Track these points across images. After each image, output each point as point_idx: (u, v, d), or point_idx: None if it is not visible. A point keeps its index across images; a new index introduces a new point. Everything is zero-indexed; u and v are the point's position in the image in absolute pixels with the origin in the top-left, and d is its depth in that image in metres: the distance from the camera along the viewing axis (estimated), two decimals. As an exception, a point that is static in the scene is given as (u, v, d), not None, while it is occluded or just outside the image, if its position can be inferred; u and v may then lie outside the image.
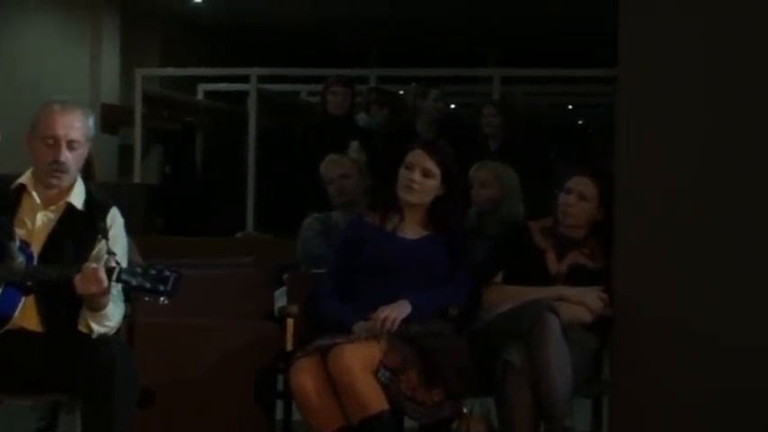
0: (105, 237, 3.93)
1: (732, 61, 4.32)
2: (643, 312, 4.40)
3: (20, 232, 3.94)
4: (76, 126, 3.96)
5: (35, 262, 3.90)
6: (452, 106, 12.02)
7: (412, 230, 4.59)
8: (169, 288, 3.76)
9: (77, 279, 3.76)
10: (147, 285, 3.77)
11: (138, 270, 3.79)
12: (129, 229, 4.16)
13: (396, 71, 11.36)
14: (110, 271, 3.76)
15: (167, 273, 3.77)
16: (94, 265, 3.76)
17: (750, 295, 4.31)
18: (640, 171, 4.41)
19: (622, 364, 4.43)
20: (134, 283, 3.78)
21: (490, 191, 5.36)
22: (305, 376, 4.17)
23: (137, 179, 10.43)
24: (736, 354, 4.30)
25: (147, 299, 3.84)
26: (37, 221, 3.98)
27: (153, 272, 3.78)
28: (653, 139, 4.39)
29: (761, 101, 4.30)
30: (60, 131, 3.92)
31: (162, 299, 3.77)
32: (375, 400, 4.08)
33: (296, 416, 4.50)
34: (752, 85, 4.30)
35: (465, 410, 4.47)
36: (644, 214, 4.40)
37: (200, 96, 11.85)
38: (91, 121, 4.05)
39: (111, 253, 3.84)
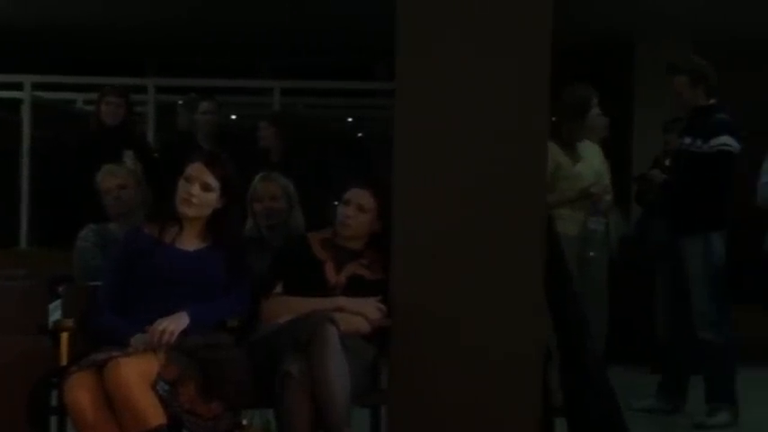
0: None
1: (505, 75, 4.45)
2: (420, 322, 4.47)
3: None
4: None
5: None
6: (233, 117, 11.98)
7: (190, 242, 4.55)
8: None
9: None
10: None
11: None
12: None
13: (174, 81, 11.24)
14: None
15: None
16: None
17: (518, 305, 4.44)
18: (417, 183, 4.49)
19: (399, 374, 4.49)
20: None
21: (279, 203, 5.36)
22: (80, 391, 4.07)
23: None
24: (508, 361, 4.43)
25: None
26: None
27: None
28: (430, 152, 4.47)
29: (532, 117, 4.44)
30: None
31: None
32: (152, 413, 4.02)
33: (71, 432, 4.40)
34: (523, 99, 4.44)
35: (244, 422, 4.45)
36: (421, 225, 4.48)
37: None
38: None
39: None
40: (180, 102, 8.87)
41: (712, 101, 6.50)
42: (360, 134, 13.58)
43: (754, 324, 6.05)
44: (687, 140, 6.49)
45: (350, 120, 13.48)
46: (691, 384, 6.81)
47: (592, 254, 6.71)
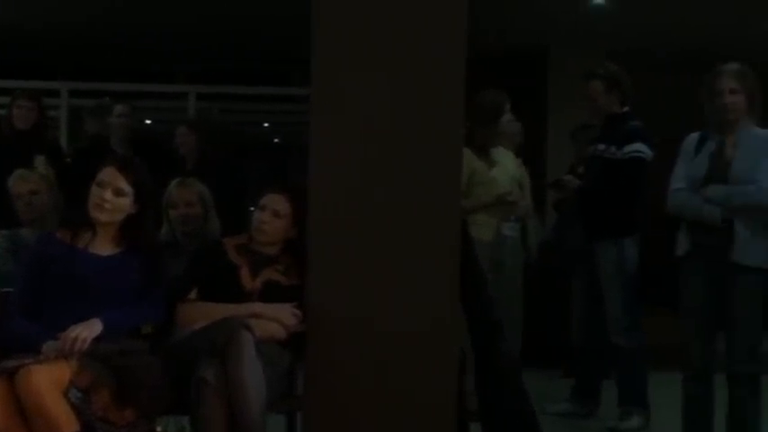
0: None
1: (419, 82, 4.47)
2: (336, 328, 4.47)
3: None
4: None
5: None
6: (148, 122, 11.89)
7: (104, 247, 4.51)
8: None
9: None
10: None
11: None
12: None
13: (88, 85, 11.13)
14: None
15: None
16: None
17: (434, 310, 4.46)
18: (332, 188, 4.49)
19: (315, 380, 4.49)
20: None
21: (194, 209, 5.34)
22: (-10, 399, 4.02)
23: None
24: (423, 365, 4.45)
25: None
26: None
27: None
28: (345, 158, 4.48)
29: (447, 123, 4.47)
30: None
31: None
32: (65, 421, 3.97)
33: (-19, 441, 4.33)
34: (438, 106, 4.47)
35: (159, 429, 4.42)
36: (336, 231, 4.48)
37: None
38: None
39: None
40: (89, 106, 8.78)
41: (626, 108, 6.58)
42: (276, 139, 13.56)
43: (665, 328, 6.13)
44: (601, 147, 6.56)
45: (266, 125, 13.46)
46: (604, 388, 6.90)
47: (506, 259, 6.76)
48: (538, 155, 9.90)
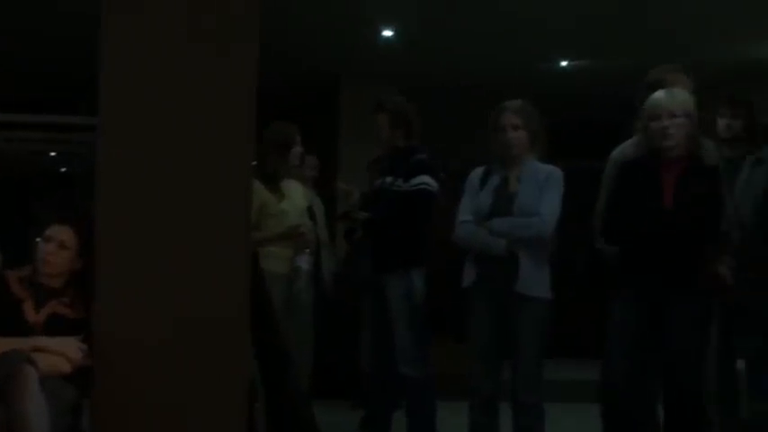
0: None
1: (208, 113, 4.46)
2: (123, 362, 4.40)
3: None
4: None
5: None
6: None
7: None
8: None
9: None
10: None
11: None
12: None
13: None
14: None
15: None
16: None
17: (223, 344, 4.45)
18: (120, 219, 4.43)
19: (102, 415, 4.41)
20: None
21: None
22: None
23: None
24: (214, 400, 4.42)
25: None
26: None
27: None
28: (133, 189, 4.43)
29: (235, 155, 4.47)
30: None
31: None
32: None
33: None
34: (227, 138, 4.47)
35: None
36: (124, 263, 4.42)
37: None
38: None
39: None
40: None
41: (412, 141, 6.67)
42: (63, 169, 13.25)
43: (453, 358, 6.22)
44: (388, 179, 6.63)
45: (52, 154, 13.14)
46: (393, 418, 6.96)
47: (299, 292, 6.78)
48: (329, 186, 9.96)
